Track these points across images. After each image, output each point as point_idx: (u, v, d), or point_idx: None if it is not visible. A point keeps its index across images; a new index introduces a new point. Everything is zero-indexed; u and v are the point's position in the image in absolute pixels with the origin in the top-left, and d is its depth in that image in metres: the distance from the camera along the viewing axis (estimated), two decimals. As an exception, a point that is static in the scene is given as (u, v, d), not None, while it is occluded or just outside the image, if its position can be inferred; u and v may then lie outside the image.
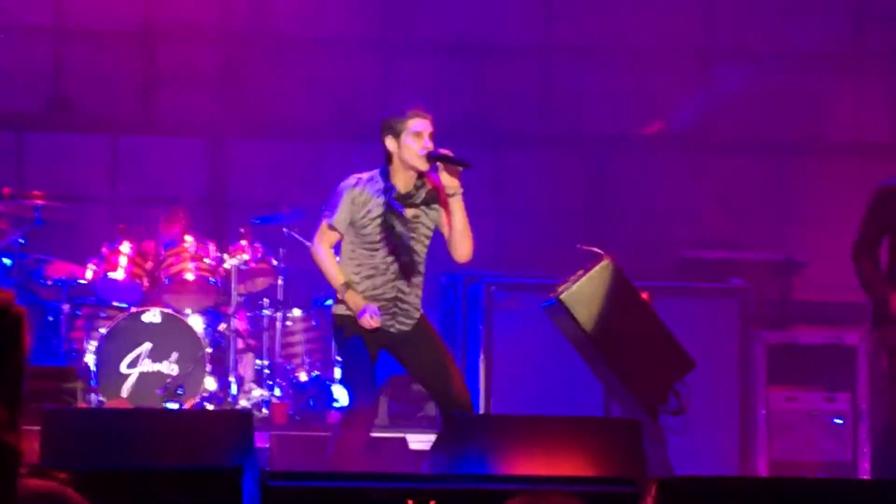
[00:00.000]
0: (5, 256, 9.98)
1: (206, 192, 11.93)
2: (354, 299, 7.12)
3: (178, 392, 9.56)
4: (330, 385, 9.95)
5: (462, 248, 7.17)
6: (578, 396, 9.18)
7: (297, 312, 10.28)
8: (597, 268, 7.71)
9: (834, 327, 9.77)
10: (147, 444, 6.75)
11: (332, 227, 7.17)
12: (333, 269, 7.19)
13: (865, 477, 9.39)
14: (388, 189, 7.11)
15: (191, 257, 9.98)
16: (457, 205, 7.09)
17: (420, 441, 9.00)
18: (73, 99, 11.94)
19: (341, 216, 7.13)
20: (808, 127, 12.14)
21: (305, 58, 12.11)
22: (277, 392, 9.97)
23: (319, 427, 9.50)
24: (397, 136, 7.11)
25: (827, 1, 12.21)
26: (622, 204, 12.01)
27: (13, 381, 3.49)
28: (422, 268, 7.24)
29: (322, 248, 7.22)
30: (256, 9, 12.16)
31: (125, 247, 10.02)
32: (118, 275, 9.96)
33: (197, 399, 9.63)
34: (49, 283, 10.10)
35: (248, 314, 10.31)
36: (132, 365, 9.62)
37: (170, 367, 9.65)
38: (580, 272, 7.75)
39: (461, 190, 7.08)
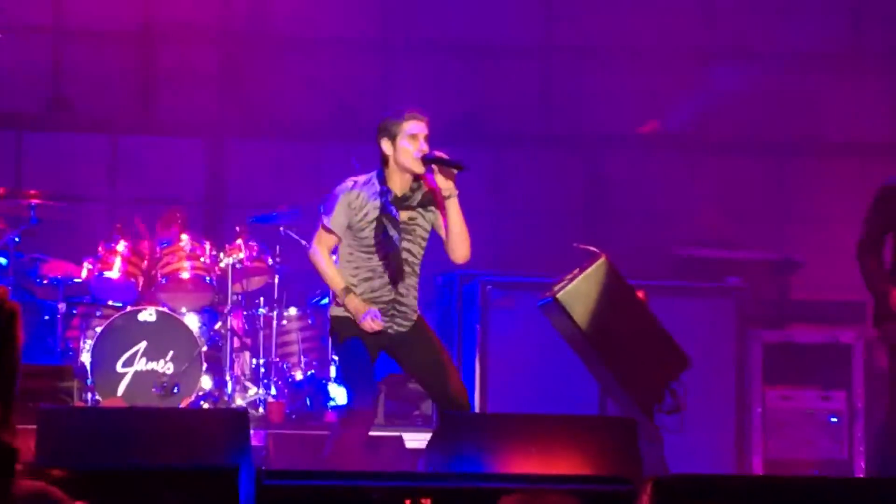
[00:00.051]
0: (1, 255, 9.98)
1: (206, 191, 11.93)
2: (355, 303, 7.12)
3: (174, 391, 9.56)
4: (326, 384, 9.95)
5: (459, 250, 7.17)
6: (574, 395, 9.18)
7: (292, 311, 10.29)
8: (593, 266, 7.71)
9: (830, 326, 9.77)
10: (143, 442, 6.74)
11: (329, 231, 7.17)
12: (333, 273, 7.19)
13: (861, 475, 9.40)
14: (385, 192, 7.12)
15: (187, 256, 9.98)
16: (453, 207, 7.09)
17: (416, 440, 9.00)
18: (73, 99, 11.95)
19: (338, 220, 7.14)
20: (807, 126, 12.14)
21: (305, 58, 12.12)
22: (273, 391, 9.97)
23: (316, 426, 9.50)
24: (393, 138, 7.12)
25: (826, 1, 12.22)
26: (620, 203, 12.02)
27: (6, 377, 3.49)
28: (418, 269, 7.25)
29: (321, 252, 7.23)
30: (256, 9, 12.16)
31: (121, 246, 10.02)
32: (114, 274, 9.96)
33: (193, 398, 9.62)
34: (45, 282, 10.10)
35: (244, 313, 10.31)
36: (128, 364, 9.62)
37: (165, 366, 9.64)
38: (576, 271, 7.75)
39: (457, 192, 7.08)
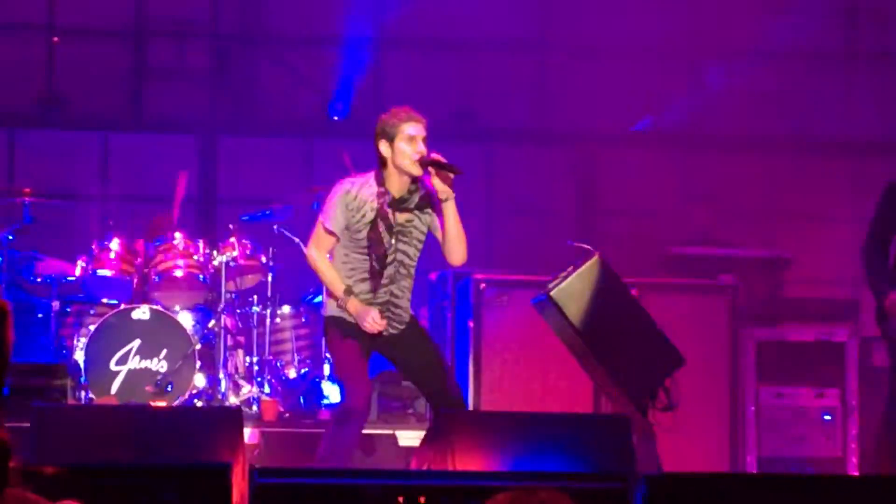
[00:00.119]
0: (-6, 254, 9.98)
1: (197, 189, 11.92)
2: (356, 305, 7.13)
3: (168, 389, 9.55)
4: (320, 382, 9.95)
5: (456, 252, 7.18)
6: (568, 392, 9.18)
7: (286, 309, 10.28)
8: (587, 264, 7.71)
9: (823, 324, 9.77)
10: (136, 440, 6.75)
11: (329, 232, 7.15)
12: (333, 276, 7.19)
13: (855, 473, 9.40)
14: (382, 194, 7.12)
15: (180, 254, 9.97)
16: (450, 210, 7.09)
17: (409, 437, 9.01)
18: (65, 96, 11.93)
19: (337, 221, 7.13)
20: (799, 124, 12.15)
21: (296, 54, 12.12)
22: (267, 389, 9.97)
23: (309, 424, 9.49)
24: (391, 140, 7.10)
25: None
26: (612, 201, 12.02)
27: (-4, 374, 3.49)
28: (413, 272, 7.26)
29: (320, 254, 7.22)
30: (247, 6, 12.15)
31: (114, 244, 10.01)
32: (107, 272, 9.95)
33: (186, 396, 9.62)
34: (38, 280, 10.09)
35: (238, 311, 10.30)
36: (121, 362, 9.61)
37: (159, 364, 9.63)
38: (570, 268, 7.75)
39: (454, 195, 7.08)
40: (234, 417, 6.95)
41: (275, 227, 10.21)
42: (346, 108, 11.74)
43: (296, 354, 10.23)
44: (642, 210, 11.84)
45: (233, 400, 9.84)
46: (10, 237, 9.91)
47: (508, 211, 12.06)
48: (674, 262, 10.32)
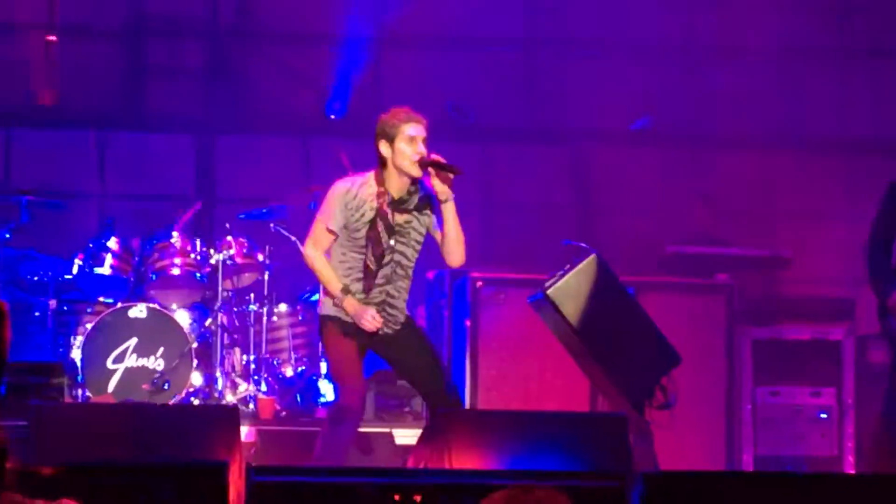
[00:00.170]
0: (-9, 252, 9.98)
1: (195, 187, 11.91)
2: (353, 304, 7.13)
3: (165, 387, 9.55)
4: (316, 380, 9.95)
5: (455, 253, 7.19)
6: (564, 391, 9.18)
7: (283, 308, 10.28)
8: (584, 263, 7.72)
9: (819, 323, 9.78)
10: (133, 439, 6.75)
11: (329, 231, 7.15)
12: (331, 275, 7.19)
13: (851, 471, 9.41)
14: (382, 194, 7.12)
15: (177, 253, 9.98)
16: (449, 211, 7.10)
17: (406, 436, 9.01)
18: (61, 95, 11.91)
19: (336, 219, 7.14)
20: (794, 123, 12.14)
21: (294, 53, 12.11)
22: (264, 387, 9.97)
23: (306, 422, 9.49)
24: (391, 140, 7.10)
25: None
26: (608, 199, 12.02)
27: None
28: (411, 272, 7.26)
29: (318, 253, 7.22)
30: (244, 3, 12.15)
31: (111, 242, 10.01)
32: (104, 270, 9.95)
33: (183, 394, 9.62)
34: (35, 278, 10.09)
35: (235, 309, 10.30)
36: (118, 360, 9.61)
37: (156, 363, 9.64)
38: (567, 267, 7.76)
39: (453, 196, 7.08)
40: (231, 416, 6.95)
41: (272, 225, 10.22)
42: (343, 106, 11.75)
43: (292, 353, 10.23)
44: (639, 209, 11.83)
45: (229, 398, 9.85)
46: (7, 236, 9.91)
47: (506, 209, 12.06)
48: (671, 260, 10.32)
